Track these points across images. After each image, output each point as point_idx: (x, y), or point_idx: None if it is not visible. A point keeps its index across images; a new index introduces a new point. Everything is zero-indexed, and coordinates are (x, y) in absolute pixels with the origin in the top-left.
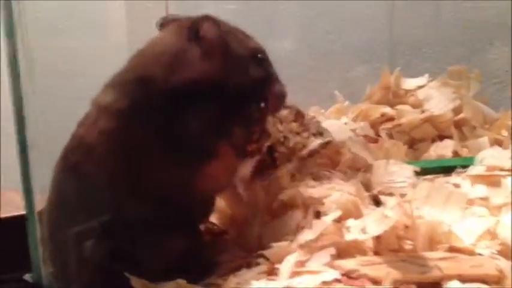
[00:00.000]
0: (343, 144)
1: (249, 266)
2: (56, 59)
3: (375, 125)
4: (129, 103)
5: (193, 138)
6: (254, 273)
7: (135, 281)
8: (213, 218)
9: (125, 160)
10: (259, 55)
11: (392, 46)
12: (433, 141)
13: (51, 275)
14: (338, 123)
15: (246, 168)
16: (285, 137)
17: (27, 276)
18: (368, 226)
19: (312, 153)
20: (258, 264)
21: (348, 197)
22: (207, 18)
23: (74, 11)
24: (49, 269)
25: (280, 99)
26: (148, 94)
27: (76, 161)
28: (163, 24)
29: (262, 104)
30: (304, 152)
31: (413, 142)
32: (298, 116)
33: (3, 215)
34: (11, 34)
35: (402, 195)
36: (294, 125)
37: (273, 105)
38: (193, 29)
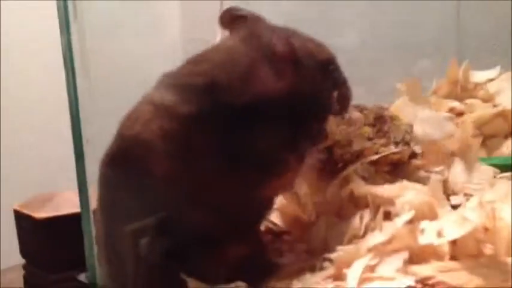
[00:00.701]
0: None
1: (312, 269)
2: (112, 58)
3: None
4: (195, 109)
5: (260, 153)
6: (319, 278)
7: (193, 284)
8: (275, 218)
9: (186, 164)
10: (330, 66)
11: (460, 38)
12: (506, 137)
13: (105, 275)
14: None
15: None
16: (349, 141)
17: (82, 276)
18: (445, 229)
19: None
20: (323, 268)
21: (423, 196)
22: (281, 34)
23: (129, 10)
24: (104, 268)
25: (343, 103)
26: (216, 103)
27: (131, 158)
28: (227, 20)
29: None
30: (373, 157)
31: (485, 138)
32: (379, 120)
33: (59, 213)
34: (66, 31)
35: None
36: (367, 129)
37: (339, 109)
38: (268, 45)
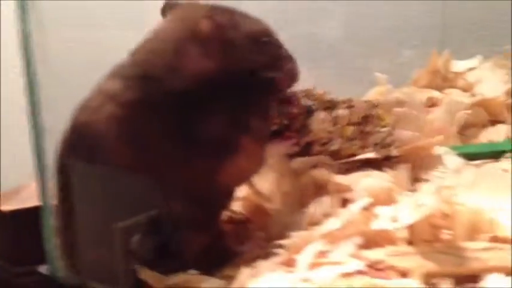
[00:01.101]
0: None
1: (267, 256)
2: (72, 47)
3: None
4: (137, 96)
5: (207, 136)
6: (270, 264)
7: (144, 273)
8: (237, 206)
9: (135, 150)
10: (263, 39)
11: (444, 29)
12: (485, 126)
13: (66, 267)
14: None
15: (277, 151)
16: (329, 139)
17: (42, 269)
18: (400, 214)
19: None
20: (276, 254)
21: (381, 183)
22: (206, 13)
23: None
24: (64, 260)
25: (290, 78)
26: (154, 90)
27: (83, 145)
28: (166, 10)
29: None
30: (346, 160)
31: (463, 128)
32: (365, 119)
33: (25, 206)
34: (24, 20)
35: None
36: (349, 129)
37: (284, 83)
38: (192, 26)
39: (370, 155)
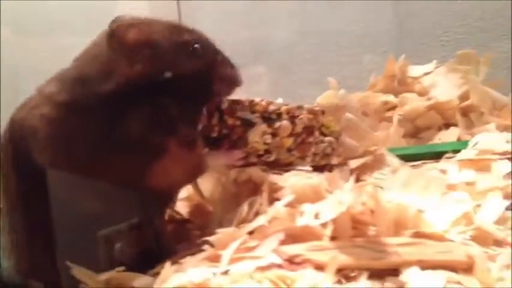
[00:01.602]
0: None
1: (196, 253)
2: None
3: (376, 114)
4: (69, 97)
5: (132, 137)
6: (196, 260)
7: (76, 270)
8: (180, 207)
9: (65, 150)
10: (194, 46)
11: (402, 34)
12: (440, 129)
13: (11, 267)
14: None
15: (217, 161)
16: (266, 151)
17: None
18: (322, 211)
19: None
20: (203, 251)
21: (307, 181)
22: (133, 23)
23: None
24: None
25: (228, 83)
26: (85, 93)
27: (17, 141)
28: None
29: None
30: (284, 168)
31: (418, 131)
32: (307, 129)
33: None
34: None
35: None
36: (289, 141)
37: (221, 88)
38: (114, 36)
39: (306, 167)
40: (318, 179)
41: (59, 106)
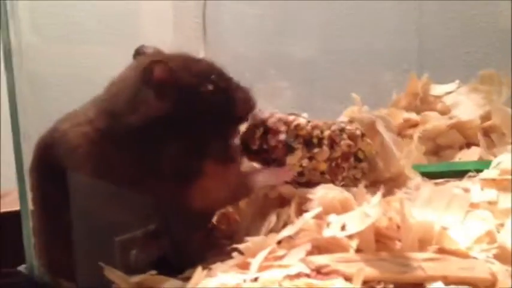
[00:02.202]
0: None
1: (225, 260)
2: (52, 56)
3: (398, 132)
4: (105, 127)
5: (166, 165)
6: (226, 267)
7: (109, 271)
8: None
9: (101, 170)
10: (211, 76)
11: (423, 52)
12: (461, 148)
13: (42, 267)
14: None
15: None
16: (300, 173)
17: (21, 267)
18: (348, 223)
19: None
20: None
21: (335, 194)
22: (158, 60)
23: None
24: (40, 260)
25: (245, 105)
26: (116, 126)
27: (56, 151)
28: (135, 55)
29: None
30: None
31: (439, 149)
32: (344, 156)
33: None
34: (6, 28)
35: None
36: (324, 166)
37: (240, 111)
38: (146, 73)
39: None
40: (346, 193)
41: (97, 131)
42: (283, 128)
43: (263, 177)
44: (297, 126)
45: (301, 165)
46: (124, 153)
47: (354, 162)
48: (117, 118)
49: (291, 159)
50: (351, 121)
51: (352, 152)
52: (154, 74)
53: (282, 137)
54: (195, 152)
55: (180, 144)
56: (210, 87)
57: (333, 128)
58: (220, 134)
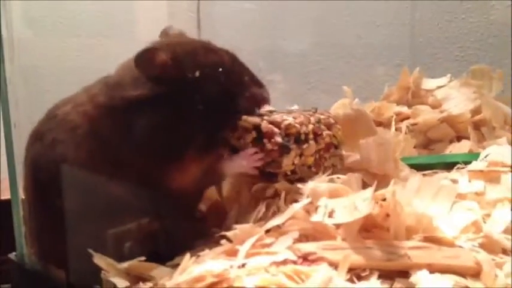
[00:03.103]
0: None
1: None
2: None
3: (388, 125)
4: (106, 101)
5: (159, 144)
6: (214, 254)
7: (98, 258)
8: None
9: (101, 145)
10: (218, 68)
11: (416, 47)
12: (451, 142)
13: (32, 254)
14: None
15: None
16: (293, 171)
17: (12, 255)
18: (337, 213)
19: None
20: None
21: (327, 185)
22: (156, 46)
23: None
24: (32, 248)
25: (254, 101)
26: (116, 99)
27: (56, 134)
28: (162, 35)
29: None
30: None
31: (430, 142)
32: (327, 147)
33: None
34: None
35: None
36: (311, 160)
37: (248, 107)
38: (140, 59)
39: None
40: (337, 184)
41: (98, 106)
42: (276, 130)
43: (234, 164)
44: (288, 126)
45: (293, 164)
46: (120, 127)
47: (333, 151)
48: (118, 92)
49: (287, 160)
50: (315, 108)
51: (332, 142)
52: (154, 58)
53: (279, 139)
54: (183, 131)
55: (165, 125)
56: (206, 79)
57: (313, 120)
58: (215, 121)
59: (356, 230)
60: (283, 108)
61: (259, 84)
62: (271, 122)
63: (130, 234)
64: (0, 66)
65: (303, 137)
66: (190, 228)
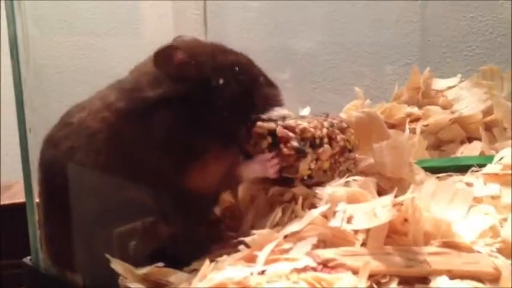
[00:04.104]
0: None
1: (231, 253)
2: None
3: (400, 126)
4: (124, 107)
5: (177, 144)
6: (232, 260)
7: (115, 263)
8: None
9: (121, 150)
10: (235, 68)
11: (425, 47)
12: (462, 143)
13: (47, 259)
14: None
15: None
16: (309, 175)
17: (26, 260)
18: (356, 218)
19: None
20: (238, 251)
21: (345, 190)
22: (173, 45)
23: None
24: (46, 253)
25: (267, 103)
26: (136, 104)
27: (72, 141)
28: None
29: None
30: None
31: (441, 144)
32: (341, 151)
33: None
34: (11, 21)
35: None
36: (326, 164)
37: (261, 108)
38: (159, 56)
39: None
40: (355, 188)
41: (117, 113)
42: (292, 135)
43: (252, 169)
44: (303, 130)
45: (309, 168)
46: (140, 132)
47: (347, 155)
48: (137, 96)
49: (303, 165)
50: (326, 113)
51: (346, 146)
52: (173, 57)
53: (295, 144)
54: (200, 134)
55: (186, 125)
56: (225, 79)
57: (326, 124)
58: (231, 123)
59: (383, 236)
60: (292, 108)
61: (273, 86)
62: (286, 127)
63: (149, 239)
64: (14, 68)
65: (318, 141)
66: (206, 232)
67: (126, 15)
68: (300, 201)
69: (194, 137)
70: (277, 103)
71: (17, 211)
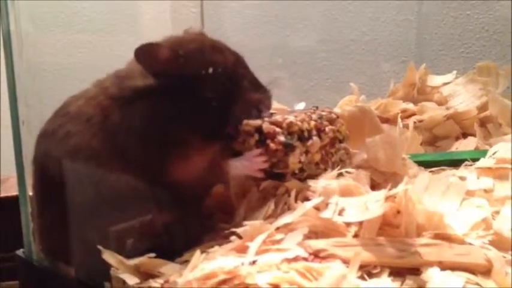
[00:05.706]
0: None
1: (223, 244)
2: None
3: (394, 121)
4: (117, 92)
5: (164, 135)
6: (224, 250)
7: (107, 254)
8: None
9: (110, 136)
10: (218, 69)
11: (421, 44)
12: (457, 139)
13: (41, 251)
14: None
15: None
16: (300, 169)
17: (19, 252)
18: (347, 211)
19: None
20: (230, 241)
21: (338, 182)
22: (154, 42)
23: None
24: (39, 245)
25: (252, 107)
26: (126, 90)
27: (69, 130)
28: None
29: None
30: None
31: (436, 139)
32: (332, 142)
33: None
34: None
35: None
36: (317, 156)
37: (244, 110)
38: (139, 52)
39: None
40: (347, 181)
41: (109, 97)
42: (278, 129)
43: (239, 166)
44: (289, 124)
45: (300, 162)
46: (129, 117)
47: (338, 145)
48: (128, 83)
49: (293, 159)
50: (315, 107)
51: (337, 137)
52: (157, 54)
53: (282, 138)
54: (180, 127)
55: (167, 117)
56: (205, 78)
57: (314, 117)
58: (213, 118)
59: (376, 228)
60: (290, 104)
61: (261, 89)
62: (273, 123)
63: (141, 230)
64: (8, 64)
65: (306, 134)
66: (197, 224)
67: (124, 13)
68: (293, 193)
69: (174, 128)
70: (263, 107)
71: (11, 204)
